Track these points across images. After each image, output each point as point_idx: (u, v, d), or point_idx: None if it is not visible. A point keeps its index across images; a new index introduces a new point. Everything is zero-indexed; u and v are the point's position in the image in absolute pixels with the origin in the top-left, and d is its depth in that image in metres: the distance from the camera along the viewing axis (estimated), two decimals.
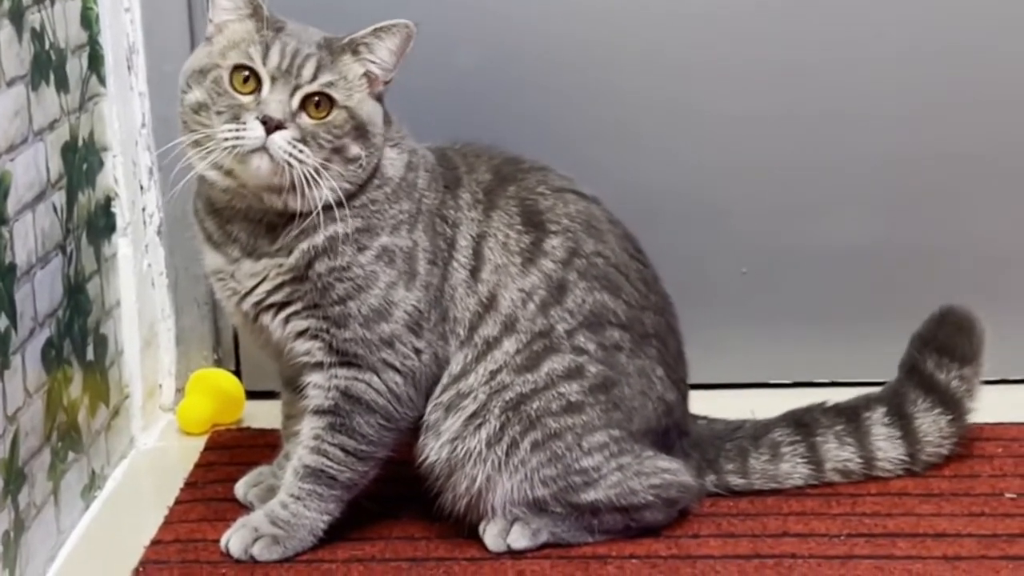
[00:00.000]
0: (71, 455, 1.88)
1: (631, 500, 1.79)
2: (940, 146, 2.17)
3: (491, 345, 1.77)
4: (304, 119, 1.68)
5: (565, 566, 1.77)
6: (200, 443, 2.12)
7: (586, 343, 1.77)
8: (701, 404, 1.96)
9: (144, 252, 2.11)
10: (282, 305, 1.75)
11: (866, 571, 1.73)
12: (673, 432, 1.85)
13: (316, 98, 1.68)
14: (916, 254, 2.20)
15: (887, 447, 1.92)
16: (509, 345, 1.77)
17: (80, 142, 1.93)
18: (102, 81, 2.02)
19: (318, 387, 1.77)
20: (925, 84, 2.16)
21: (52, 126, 1.84)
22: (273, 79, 1.67)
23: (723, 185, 2.20)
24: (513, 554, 1.79)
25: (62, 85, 1.87)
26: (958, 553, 1.76)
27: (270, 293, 1.75)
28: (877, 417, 1.92)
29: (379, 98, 1.75)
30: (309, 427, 1.78)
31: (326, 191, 1.69)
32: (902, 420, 1.92)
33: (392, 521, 1.88)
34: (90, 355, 1.96)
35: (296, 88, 1.67)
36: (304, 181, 1.66)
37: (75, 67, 1.92)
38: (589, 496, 1.78)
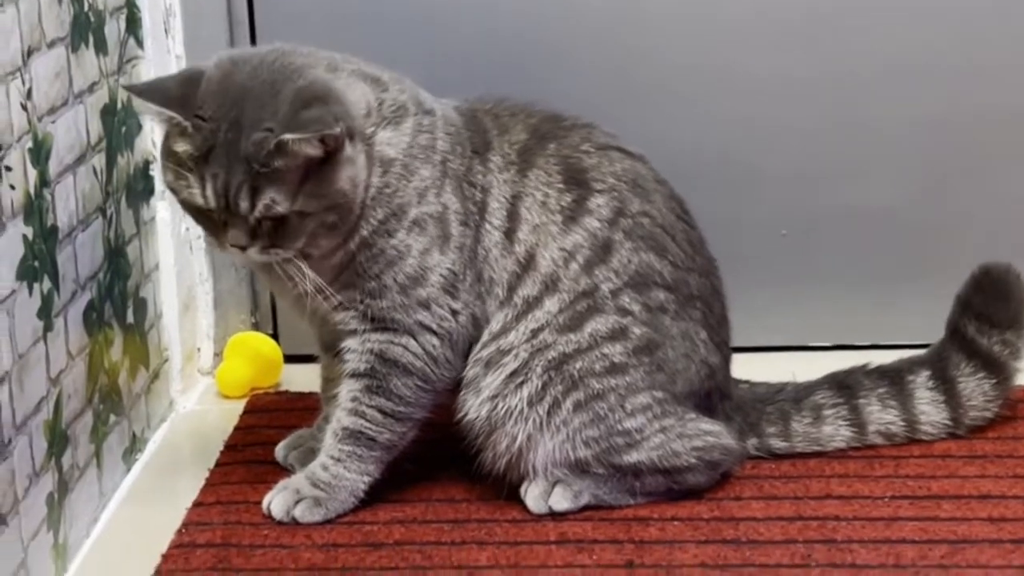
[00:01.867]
0: (112, 418, 1.89)
1: (673, 462, 1.78)
2: (980, 105, 2.15)
3: (532, 304, 1.77)
4: (266, 229, 1.66)
5: (607, 528, 1.77)
6: (239, 407, 2.13)
7: (631, 304, 1.76)
8: (740, 368, 1.95)
9: (182, 216, 2.11)
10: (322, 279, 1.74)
11: (911, 532, 1.72)
12: (716, 395, 1.84)
13: (265, 219, 1.65)
14: (957, 214, 2.19)
15: (930, 411, 1.91)
16: (551, 304, 1.76)
17: (119, 105, 1.93)
18: (140, 44, 2.02)
19: (354, 351, 1.77)
20: (964, 43, 2.13)
21: (91, 88, 1.84)
22: (222, 214, 1.65)
23: (761, 147, 2.18)
24: (554, 516, 1.79)
25: (101, 47, 1.87)
26: (1003, 515, 1.75)
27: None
28: (921, 381, 1.91)
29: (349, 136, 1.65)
30: (347, 390, 1.78)
31: (325, 245, 1.69)
32: (945, 384, 1.91)
33: (433, 483, 1.88)
34: (130, 318, 1.97)
35: (244, 219, 1.65)
36: (293, 262, 1.68)
37: (113, 29, 1.92)
38: (631, 457, 1.77)
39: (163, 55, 2.07)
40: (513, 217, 1.77)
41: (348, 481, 1.79)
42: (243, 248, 1.66)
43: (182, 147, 1.64)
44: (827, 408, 1.90)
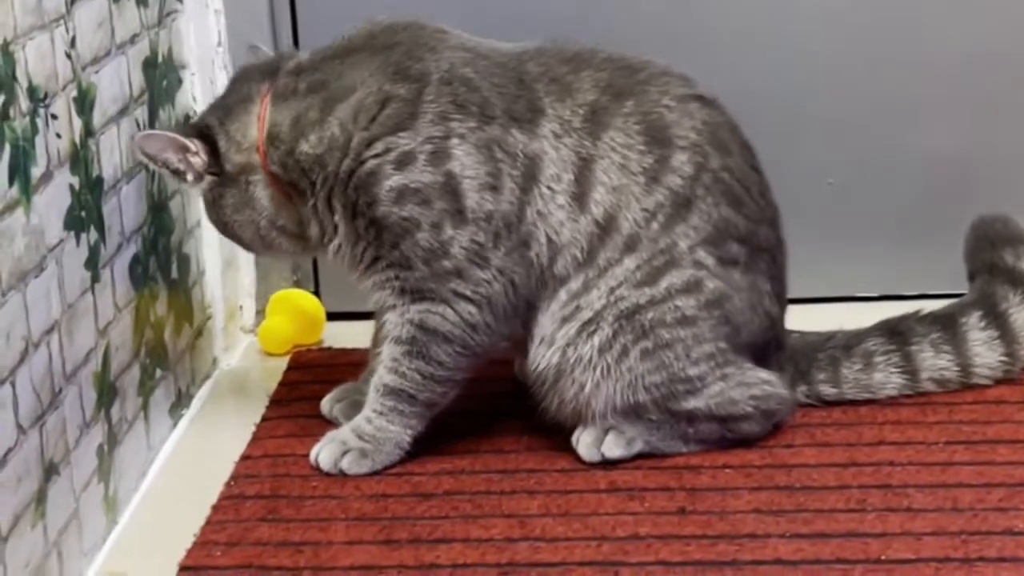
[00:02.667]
0: (159, 372, 1.88)
1: (730, 410, 1.77)
2: None
3: (612, 264, 1.74)
4: None
5: (658, 476, 1.75)
6: (282, 364, 2.12)
7: (706, 258, 1.74)
8: (787, 320, 1.93)
9: None
10: (351, 264, 1.78)
11: (967, 477, 1.71)
12: (772, 345, 1.83)
13: None
14: (1009, 158, 2.15)
15: (984, 351, 1.88)
16: (630, 262, 1.74)
17: (160, 58, 1.92)
18: None
19: (394, 322, 1.77)
20: None
21: (133, 40, 1.83)
22: None
23: (807, 93, 2.15)
24: (604, 465, 1.78)
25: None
26: None
27: (338, 255, 1.78)
28: (973, 322, 1.88)
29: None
30: (388, 352, 1.78)
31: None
32: (998, 320, 1.88)
33: (480, 436, 1.87)
34: (174, 274, 1.96)
35: None
36: None
37: None
38: (689, 404, 1.76)
39: (202, 9, 2.06)
40: (583, 182, 1.73)
41: (392, 433, 1.79)
42: None
43: None
44: (878, 355, 1.88)
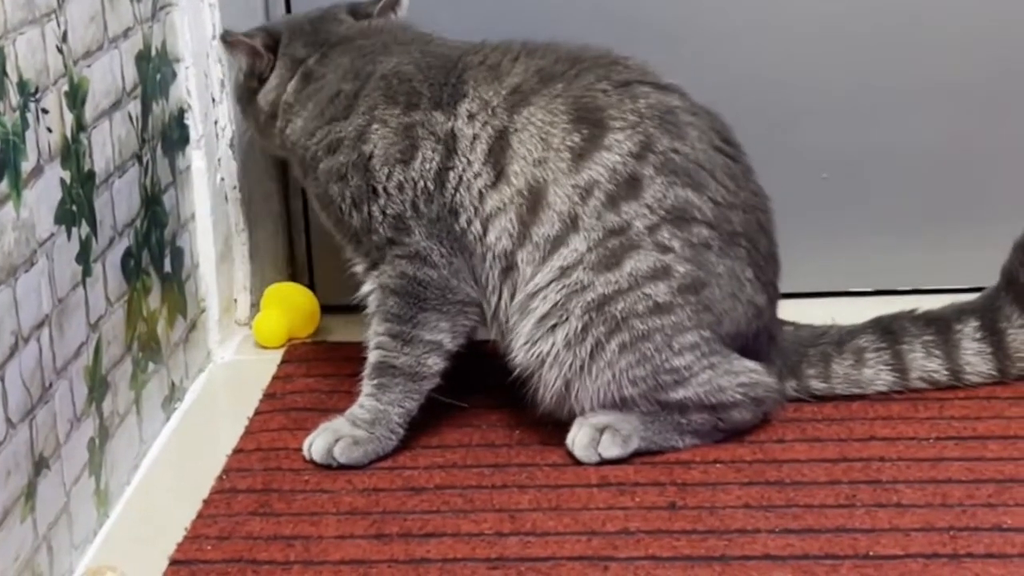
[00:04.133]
0: (151, 366, 1.89)
1: (720, 397, 1.77)
2: None
3: (556, 243, 1.76)
4: None
5: (649, 471, 1.75)
6: (276, 357, 2.12)
7: (670, 240, 1.74)
8: (781, 313, 1.93)
9: (217, 166, 2.10)
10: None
11: (957, 472, 1.71)
12: (763, 336, 1.83)
13: None
14: (1003, 156, 2.15)
15: (976, 361, 1.87)
16: (577, 242, 1.75)
17: (153, 51, 1.92)
18: None
19: (368, 295, 1.87)
20: None
21: (126, 34, 1.83)
22: None
23: (801, 86, 2.15)
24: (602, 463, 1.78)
25: None
26: None
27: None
28: (968, 331, 1.87)
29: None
30: (370, 331, 1.86)
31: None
32: (994, 336, 1.87)
33: (472, 429, 1.87)
34: (167, 267, 1.96)
35: None
36: None
37: None
38: (678, 394, 1.76)
39: (196, 2, 2.05)
40: (498, 153, 1.78)
41: (382, 413, 1.81)
42: None
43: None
44: (869, 352, 1.88)
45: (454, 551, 1.61)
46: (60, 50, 1.62)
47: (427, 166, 1.80)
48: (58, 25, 1.61)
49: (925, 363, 1.88)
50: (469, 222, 1.80)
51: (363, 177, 1.82)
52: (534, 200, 1.77)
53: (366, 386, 1.83)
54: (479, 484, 1.75)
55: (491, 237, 1.79)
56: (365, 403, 1.82)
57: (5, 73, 1.48)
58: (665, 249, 1.75)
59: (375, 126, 1.83)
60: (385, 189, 1.82)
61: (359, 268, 1.88)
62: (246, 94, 1.97)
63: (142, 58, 1.88)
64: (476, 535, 1.64)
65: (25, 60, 1.53)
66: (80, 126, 1.67)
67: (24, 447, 1.51)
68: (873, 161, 2.17)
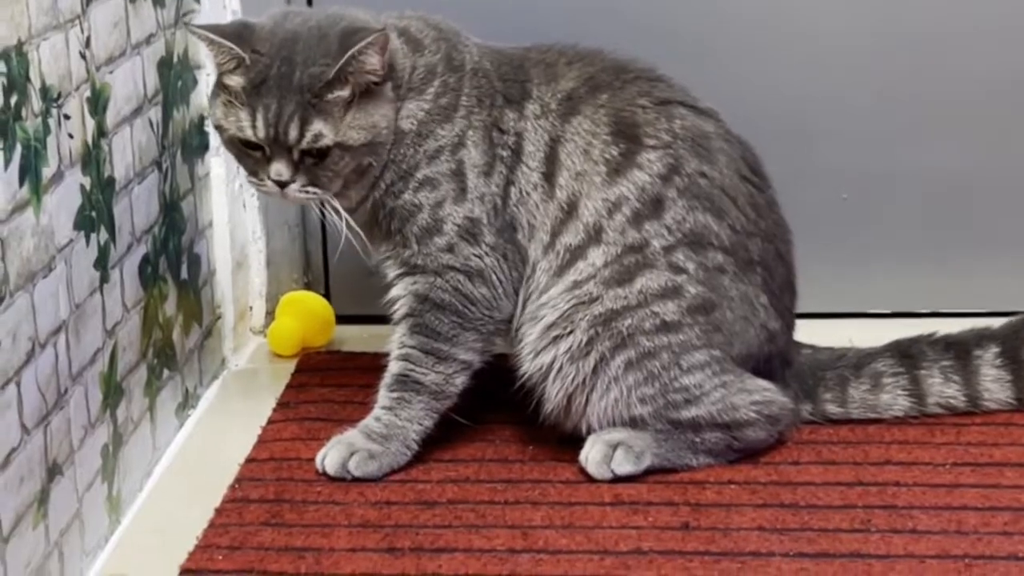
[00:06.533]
0: (166, 372, 1.88)
1: (733, 416, 1.76)
2: None
3: (575, 255, 1.76)
4: (308, 164, 1.73)
5: (662, 490, 1.75)
6: (290, 366, 2.12)
7: (685, 262, 1.74)
8: (799, 334, 1.92)
9: (236, 173, 2.10)
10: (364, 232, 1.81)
11: (973, 499, 1.70)
12: (776, 360, 1.82)
13: (311, 150, 1.72)
14: (1022, 179, 2.14)
15: (995, 388, 1.86)
16: (595, 256, 1.75)
17: (175, 58, 1.92)
18: None
19: (397, 299, 1.81)
20: None
21: (148, 40, 1.83)
22: (270, 146, 1.73)
23: (823, 108, 2.14)
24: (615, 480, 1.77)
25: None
26: None
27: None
28: (988, 358, 1.86)
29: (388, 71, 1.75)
30: (395, 338, 1.82)
31: (354, 198, 1.78)
32: (1014, 364, 1.85)
33: (486, 444, 1.87)
34: (184, 274, 1.96)
35: (290, 149, 1.72)
36: (328, 203, 1.75)
37: None
38: (690, 412, 1.76)
39: (219, 10, 2.05)
40: (551, 161, 1.78)
41: (399, 429, 1.80)
42: (284, 184, 1.73)
43: (236, 80, 1.72)
44: (887, 376, 1.87)
45: (466, 567, 1.60)
46: (83, 56, 1.62)
47: (502, 175, 1.78)
48: (81, 31, 1.61)
49: (943, 388, 1.87)
50: (523, 238, 1.78)
51: (457, 182, 1.78)
52: (569, 211, 1.77)
53: (384, 397, 1.81)
54: (492, 499, 1.74)
55: (532, 250, 1.79)
56: (382, 416, 1.81)
57: (28, 79, 1.48)
58: (678, 270, 1.74)
59: (470, 132, 1.78)
60: (471, 195, 1.77)
61: (392, 271, 1.82)
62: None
63: (164, 64, 1.88)
64: (488, 551, 1.63)
65: (48, 66, 1.53)
66: (101, 132, 1.67)
67: (38, 453, 1.50)
68: (894, 182, 2.16)
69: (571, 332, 1.75)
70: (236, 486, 1.78)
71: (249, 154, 1.75)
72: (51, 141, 1.54)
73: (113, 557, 1.66)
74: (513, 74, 1.82)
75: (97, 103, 1.66)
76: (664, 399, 1.74)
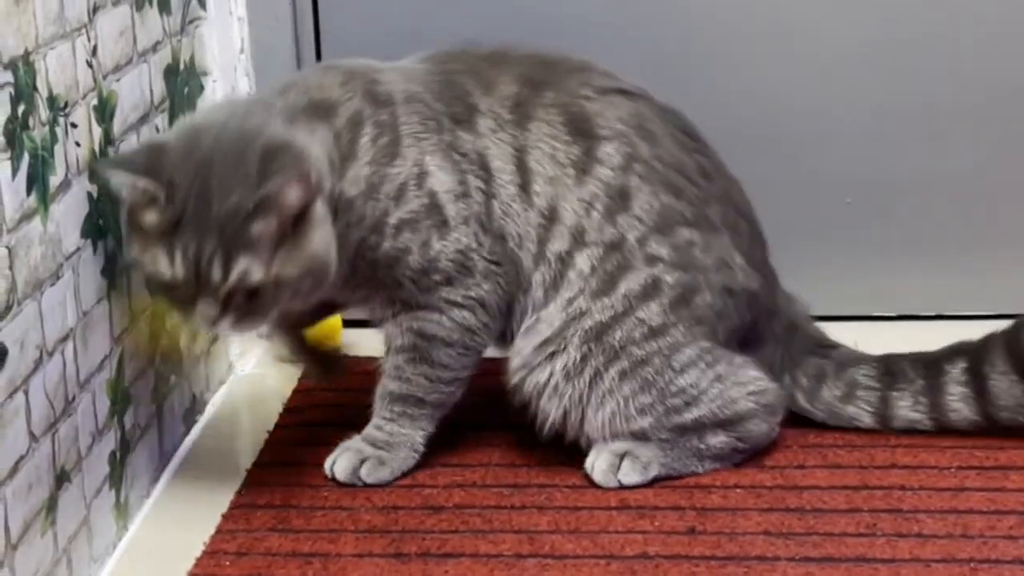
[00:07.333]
0: (173, 378, 1.89)
1: (734, 409, 1.76)
2: None
3: (565, 263, 1.74)
4: (239, 301, 1.60)
5: (669, 495, 1.75)
6: (297, 371, 2.12)
7: (658, 248, 1.73)
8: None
9: None
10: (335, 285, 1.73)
11: (978, 503, 1.70)
12: (762, 319, 1.82)
13: (238, 290, 1.59)
14: None
15: (961, 407, 1.81)
16: (582, 263, 1.73)
17: (182, 65, 1.93)
18: (202, 4, 2.01)
19: (392, 332, 1.78)
20: None
21: (155, 48, 1.83)
22: (193, 286, 1.59)
23: (826, 112, 2.14)
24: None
25: (164, 7, 1.86)
26: None
27: None
28: (955, 374, 1.80)
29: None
30: (391, 361, 1.79)
31: (301, 305, 1.71)
32: (977, 379, 1.79)
33: (492, 448, 1.87)
34: None
35: (215, 291, 1.59)
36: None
37: None
38: (692, 414, 1.75)
39: (225, 16, 2.06)
40: (523, 171, 1.75)
41: (404, 436, 1.80)
42: (213, 323, 1.61)
43: (150, 218, 1.59)
44: (861, 389, 1.84)
45: (472, 572, 1.61)
46: (90, 64, 1.62)
47: (480, 187, 1.74)
48: (88, 39, 1.62)
49: (909, 413, 1.83)
50: (514, 248, 1.75)
51: (436, 216, 1.72)
52: (551, 216, 1.75)
53: (384, 409, 1.80)
54: (498, 504, 1.74)
55: (526, 260, 1.76)
56: (385, 427, 1.80)
57: (35, 88, 1.49)
58: (654, 260, 1.73)
59: (428, 159, 1.72)
60: (455, 223, 1.72)
61: (379, 311, 1.77)
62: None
63: (170, 72, 1.89)
64: (495, 556, 1.64)
65: (55, 75, 1.53)
66: (108, 140, 1.68)
67: (46, 461, 1.51)
68: (897, 187, 2.16)
69: (565, 348, 1.74)
70: (243, 492, 1.79)
71: (172, 293, 1.62)
72: (58, 150, 1.54)
73: (121, 564, 1.67)
74: (448, 91, 1.75)
75: (104, 111, 1.67)
76: (663, 405, 1.75)
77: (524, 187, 1.75)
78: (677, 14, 2.13)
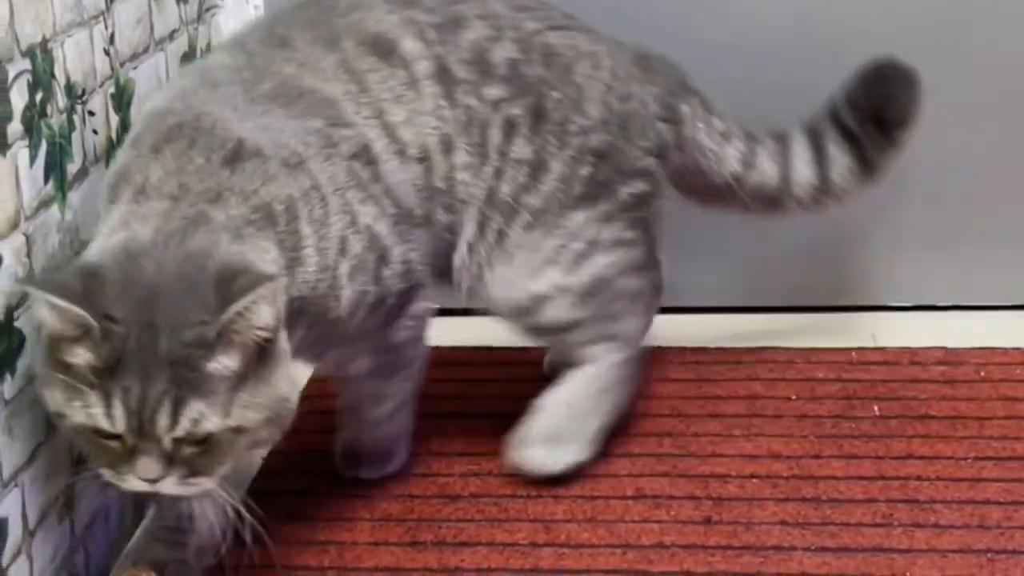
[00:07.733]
0: None
1: (622, 236, 1.72)
2: None
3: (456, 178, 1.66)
4: (187, 455, 1.35)
5: (684, 484, 1.75)
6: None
7: (495, 89, 1.65)
8: (818, 328, 1.92)
9: None
10: None
11: (995, 494, 1.70)
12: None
13: (187, 441, 1.34)
14: None
15: (802, 169, 1.87)
16: (458, 159, 1.64)
17: (198, 53, 1.93)
18: None
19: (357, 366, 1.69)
20: None
21: (172, 36, 1.83)
22: (131, 440, 1.33)
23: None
24: (632, 473, 1.77)
25: None
26: None
27: None
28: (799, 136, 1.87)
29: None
30: (365, 390, 1.75)
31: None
32: (816, 142, 1.86)
33: (508, 437, 1.87)
34: None
35: (160, 441, 1.33)
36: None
37: None
38: (598, 262, 1.71)
39: (241, 5, 2.07)
40: (392, 135, 1.60)
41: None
42: (154, 481, 1.34)
43: (81, 357, 1.32)
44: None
45: (488, 561, 1.61)
46: (107, 52, 1.63)
47: (377, 185, 1.58)
48: (105, 27, 1.62)
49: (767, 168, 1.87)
50: (423, 212, 1.63)
51: (373, 250, 1.56)
52: (423, 156, 1.62)
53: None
54: (514, 493, 1.75)
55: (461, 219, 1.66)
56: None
57: (53, 76, 1.49)
58: (497, 102, 1.65)
59: (349, 195, 1.54)
60: (390, 240, 1.58)
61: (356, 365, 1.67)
62: None
63: (187, 60, 1.89)
64: (510, 545, 1.64)
65: (73, 63, 1.53)
66: (125, 128, 1.68)
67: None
68: (907, 175, 2.13)
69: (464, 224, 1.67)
70: (258, 478, 1.79)
71: (103, 445, 1.34)
72: (76, 137, 1.54)
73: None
74: (305, 100, 1.55)
75: (121, 99, 1.67)
76: (570, 250, 1.70)
77: (401, 152, 1.61)
78: (699, 11, 2.10)
